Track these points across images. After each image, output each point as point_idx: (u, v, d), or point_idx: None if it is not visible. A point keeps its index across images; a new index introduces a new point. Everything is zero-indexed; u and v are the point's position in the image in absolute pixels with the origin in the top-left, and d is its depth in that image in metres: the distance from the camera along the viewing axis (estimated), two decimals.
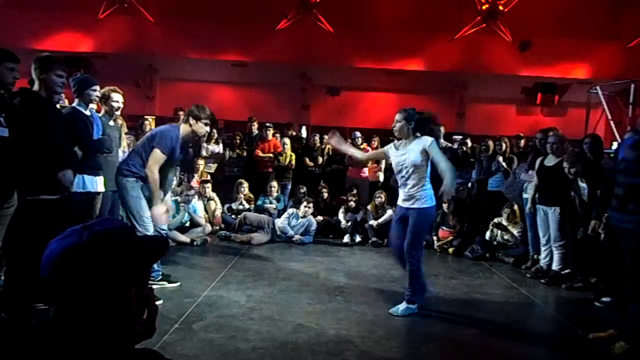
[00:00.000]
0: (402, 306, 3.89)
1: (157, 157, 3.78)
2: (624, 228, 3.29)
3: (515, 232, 6.14)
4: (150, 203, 3.90)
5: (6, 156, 2.92)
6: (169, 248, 3.79)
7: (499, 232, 6.26)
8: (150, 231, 3.89)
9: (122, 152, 4.91)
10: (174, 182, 4.55)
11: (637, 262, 3.16)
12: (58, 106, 3.72)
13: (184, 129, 3.98)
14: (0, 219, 2.98)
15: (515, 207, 6.12)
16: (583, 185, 4.71)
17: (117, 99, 4.30)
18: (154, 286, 3.96)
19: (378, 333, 3.50)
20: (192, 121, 3.96)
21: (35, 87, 3.28)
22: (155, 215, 3.86)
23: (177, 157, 4.07)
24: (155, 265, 4.01)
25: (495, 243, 6.25)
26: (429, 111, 3.97)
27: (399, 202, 3.99)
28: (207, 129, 4.05)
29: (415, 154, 3.78)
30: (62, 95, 4.19)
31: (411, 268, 3.88)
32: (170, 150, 3.84)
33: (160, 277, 4.22)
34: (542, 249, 5.38)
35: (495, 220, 6.30)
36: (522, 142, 7.14)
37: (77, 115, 3.79)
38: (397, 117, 3.88)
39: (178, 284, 4.29)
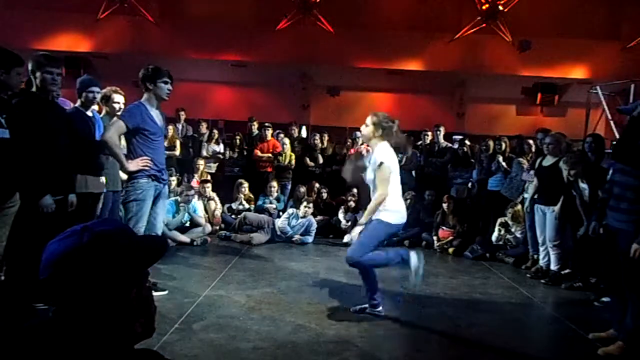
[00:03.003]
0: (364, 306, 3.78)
1: (117, 125, 3.65)
2: (618, 228, 3.29)
3: (519, 231, 6.14)
4: (157, 202, 3.87)
5: (7, 157, 2.92)
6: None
7: (504, 232, 6.26)
8: None
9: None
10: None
11: (632, 262, 3.16)
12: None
13: (146, 97, 3.82)
14: (2, 219, 2.98)
15: (519, 206, 6.12)
16: (584, 186, 4.72)
17: (118, 99, 4.31)
18: None
19: (378, 333, 3.50)
20: (149, 86, 3.78)
21: (34, 88, 3.30)
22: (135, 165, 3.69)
23: (157, 129, 3.83)
24: None
25: (502, 243, 6.25)
26: (396, 119, 3.81)
27: None
28: (169, 87, 3.84)
29: (370, 170, 3.67)
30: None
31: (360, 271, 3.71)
32: (136, 121, 3.67)
33: None
34: (540, 249, 5.38)
35: (502, 219, 6.30)
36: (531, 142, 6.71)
37: (79, 116, 3.80)
38: (367, 120, 3.76)
39: (166, 292, 4.01)
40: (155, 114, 3.84)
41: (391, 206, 3.65)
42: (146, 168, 3.72)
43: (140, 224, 3.73)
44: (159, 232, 4.00)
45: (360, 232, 3.60)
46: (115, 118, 3.73)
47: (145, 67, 3.82)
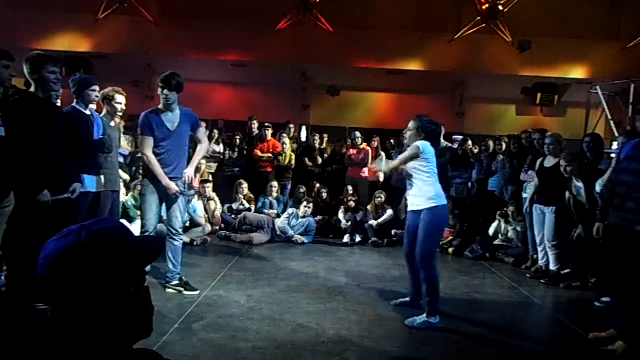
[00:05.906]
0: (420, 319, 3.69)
1: (145, 141, 4.00)
2: (623, 227, 3.29)
3: (519, 228, 6.14)
4: (166, 198, 4.10)
5: (3, 155, 2.91)
6: (164, 248, 3.84)
7: (504, 225, 6.26)
8: (149, 231, 4.07)
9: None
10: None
11: (635, 262, 3.15)
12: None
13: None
14: None
15: (512, 207, 6.13)
16: (579, 185, 4.72)
17: (121, 100, 4.31)
18: (169, 290, 3.84)
19: (378, 333, 3.50)
20: (159, 92, 4.05)
21: (32, 88, 3.26)
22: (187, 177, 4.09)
23: (166, 133, 4.02)
24: (171, 266, 4.11)
25: (500, 236, 6.26)
26: (442, 123, 4.00)
27: (409, 207, 3.93)
28: (164, 93, 3.96)
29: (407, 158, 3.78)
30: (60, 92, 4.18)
31: (425, 275, 3.72)
32: (148, 129, 3.96)
33: (177, 280, 4.13)
34: (539, 249, 5.38)
35: (503, 211, 6.29)
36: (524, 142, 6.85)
37: (77, 115, 3.79)
38: (410, 125, 3.86)
39: (197, 292, 4.13)
40: (167, 118, 4.04)
41: (432, 193, 3.72)
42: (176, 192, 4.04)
43: (146, 217, 4.08)
44: (177, 227, 4.14)
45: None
46: (140, 136, 4.07)
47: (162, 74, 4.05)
